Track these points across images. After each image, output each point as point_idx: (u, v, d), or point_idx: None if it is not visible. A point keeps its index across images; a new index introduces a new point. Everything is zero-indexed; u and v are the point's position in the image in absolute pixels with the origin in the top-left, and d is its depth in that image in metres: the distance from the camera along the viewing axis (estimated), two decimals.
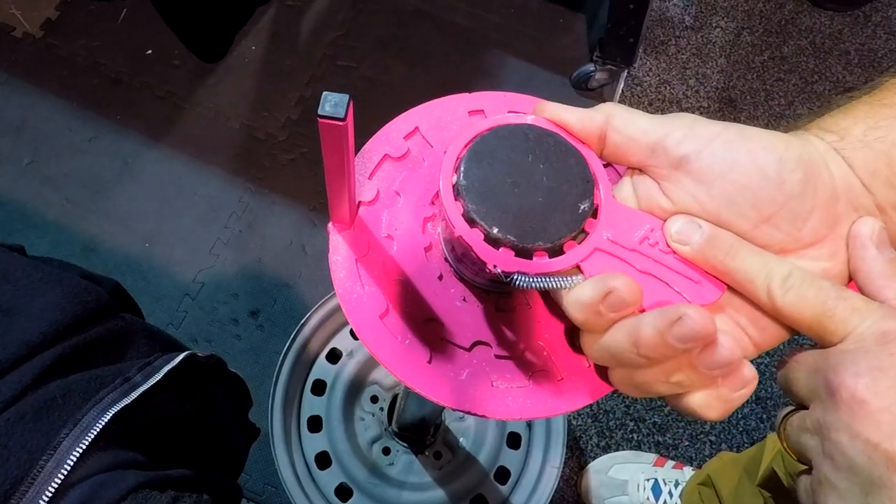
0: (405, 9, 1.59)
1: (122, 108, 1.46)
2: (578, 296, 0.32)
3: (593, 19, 1.60)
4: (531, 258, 0.34)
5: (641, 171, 0.36)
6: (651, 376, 0.33)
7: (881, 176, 0.33)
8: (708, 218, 0.34)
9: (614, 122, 0.35)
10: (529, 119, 0.37)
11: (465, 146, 0.35)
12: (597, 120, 0.35)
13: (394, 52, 1.55)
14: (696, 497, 1.08)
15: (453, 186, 0.35)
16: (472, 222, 0.34)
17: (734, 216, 0.33)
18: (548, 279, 0.33)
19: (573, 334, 0.38)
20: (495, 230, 0.33)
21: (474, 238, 0.34)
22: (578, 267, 0.34)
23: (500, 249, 0.34)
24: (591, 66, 1.50)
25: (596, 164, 0.36)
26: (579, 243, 0.34)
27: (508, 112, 0.42)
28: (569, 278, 0.34)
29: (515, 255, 0.34)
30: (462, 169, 0.34)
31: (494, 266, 0.33)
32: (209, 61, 1.51)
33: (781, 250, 0.33)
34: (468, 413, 0.37)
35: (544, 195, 0.34)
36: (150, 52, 1.51)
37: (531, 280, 0.33)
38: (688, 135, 0.33)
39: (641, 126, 0.34)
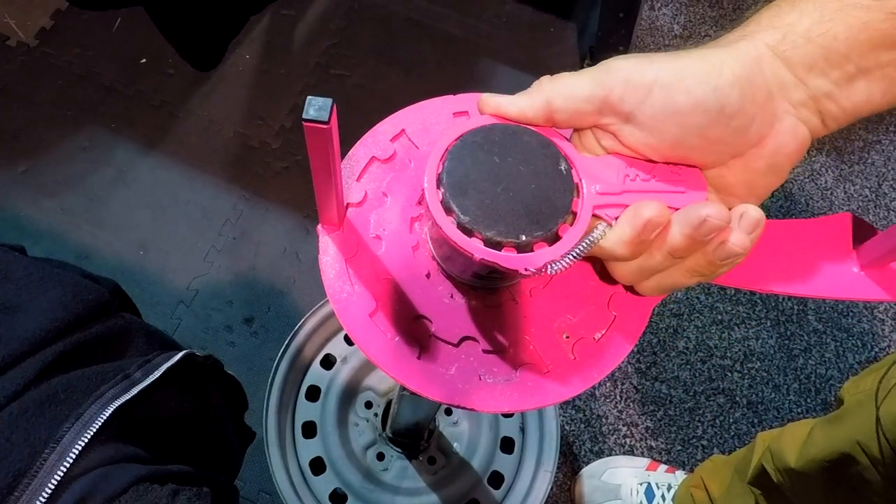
0: (398, 18, 1.61)
1: (116, 117, 1.46)
2: (621, 236, 0.35)
3: (584, 28, 1.62)
4: (532, 250, 0.35)
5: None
6: (678, 275, 0.36)
7: (816, 68, 0.34)
8: (661, 157, 0.36)
9: (556, 103, 0.36)
10: (485, 117, 0.38)
11: (441, 160, 0.36)
12: (537, 108, 0.37)
13: (387, 60, 1.56)
14: (689, 500, 1.09)
15: (442, 204, 0.35)
16: (469, 232, 0.35)
17: (686, 151, 0.35)
18: (580, 246, 0.35)
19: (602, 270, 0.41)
20: (499, 235, 0.34)
21: (478, 248, 0.35)
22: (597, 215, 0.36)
23: (503, 249, 0.35)
24: None
25: (561, 141, 0.37)
26: (571, 225, 0.36)
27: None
28: (592, 233, 0.36)
29: (518, 252, 0.35)
30: (446, 185, 0.35)
31: (526, 269, 0.35)
32: (203, 70, 1.52)
33: (733, 157, 0.35)
34: (457, 407, 0.38)
35: (532, 190, 0.35)
36: (144, 60, 1.52)
37: (571, 256, 0.35)
38: (626, 89, 0.34)
39: (583, 93, 0.35)
